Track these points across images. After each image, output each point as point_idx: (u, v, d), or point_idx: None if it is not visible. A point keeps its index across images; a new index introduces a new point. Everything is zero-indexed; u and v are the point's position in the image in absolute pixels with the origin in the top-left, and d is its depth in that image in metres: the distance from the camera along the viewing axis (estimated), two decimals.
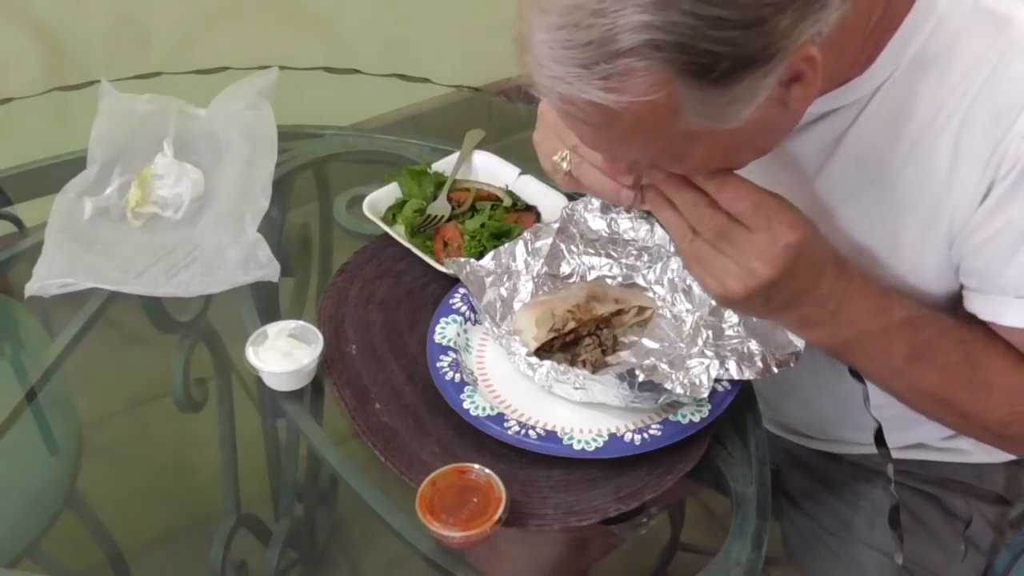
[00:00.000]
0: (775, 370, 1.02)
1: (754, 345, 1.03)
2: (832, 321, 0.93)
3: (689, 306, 1.09)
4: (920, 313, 0.96)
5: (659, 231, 1.14)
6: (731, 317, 1.06)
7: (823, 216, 1.01)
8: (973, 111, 0.90)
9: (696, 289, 1.09)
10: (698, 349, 1.05)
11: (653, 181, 0.93)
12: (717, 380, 1.02)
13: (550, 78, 0.78)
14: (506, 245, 1.14)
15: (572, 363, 1.05)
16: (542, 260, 1.13)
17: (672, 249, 1.13)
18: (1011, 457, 1.20)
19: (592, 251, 1.14)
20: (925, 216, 0.95)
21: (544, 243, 1.14)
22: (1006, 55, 0.89)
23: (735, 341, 1.04)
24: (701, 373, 1.01)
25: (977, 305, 0.96)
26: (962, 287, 0.98)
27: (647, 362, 1.03)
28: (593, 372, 1.03)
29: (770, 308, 0.92)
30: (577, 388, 1.02)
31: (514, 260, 1.13)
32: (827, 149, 0.99)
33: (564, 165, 1.03)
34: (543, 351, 1.05)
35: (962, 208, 0.93)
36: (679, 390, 0.99)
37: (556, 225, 1.14)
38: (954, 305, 1.00)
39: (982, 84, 0.89)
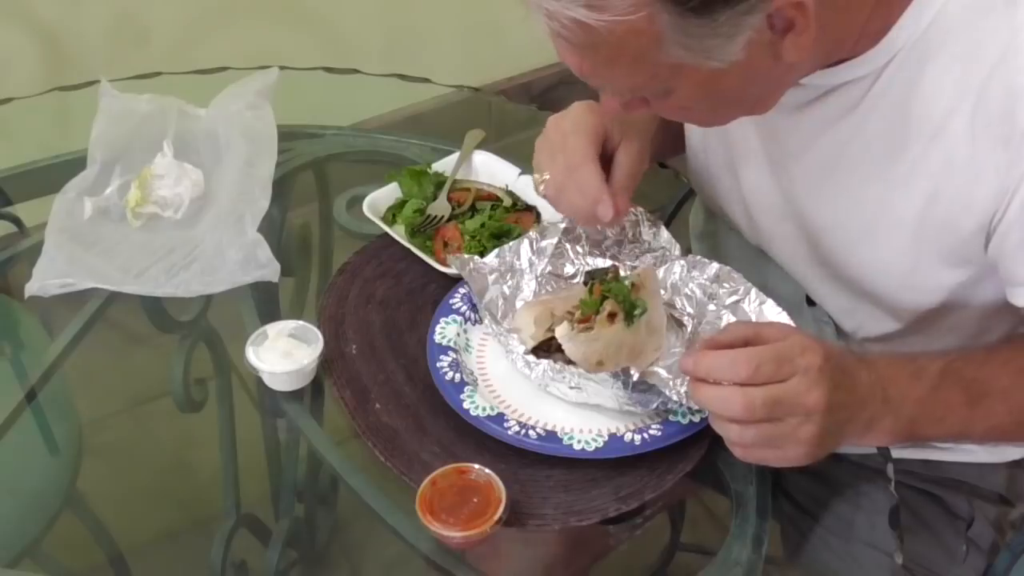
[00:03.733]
0: None
1: None
2: (888, 409, 0.93)
3: (690, 310, 1.09)
4: (949, 358, 0.97)
5: (665, 234, 1.14)
6: (729, 321, 1.06)
7: (835, 191, 1.01)
8: (988, 89, 0.90)
9: (698, 293, 1.09)
10: None
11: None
12: None
13: None
14: (511, 243, 1.14)
15: (569, 363, 1.05)
16: (546, 259, 1.13)
17: (676, 252, 1.13)
18: (1013, 457, 1.20)
19: (597, 252, 1.14)
20: (937, 194, 0.95)
21: (549, 243, 1.14)
22: (1020, 33, 0.88)
23: None
24: None
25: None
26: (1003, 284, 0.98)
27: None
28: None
29: (841, 433, 0.91)
30: (573, 388, 1.02)
31: (518, 258, 1.13)
32: (837, 123, 0.99)
33: (541, 188, 1.09)
34: (541, 350, 1.05)
35: (983, 187, 0.92)
36: (675, 398, 0.99)
37: (563, 225, 1.14)
38: (945, 296, 1.01)
39: (996, 62, 0.89)
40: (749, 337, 0.91)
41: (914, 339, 1.08)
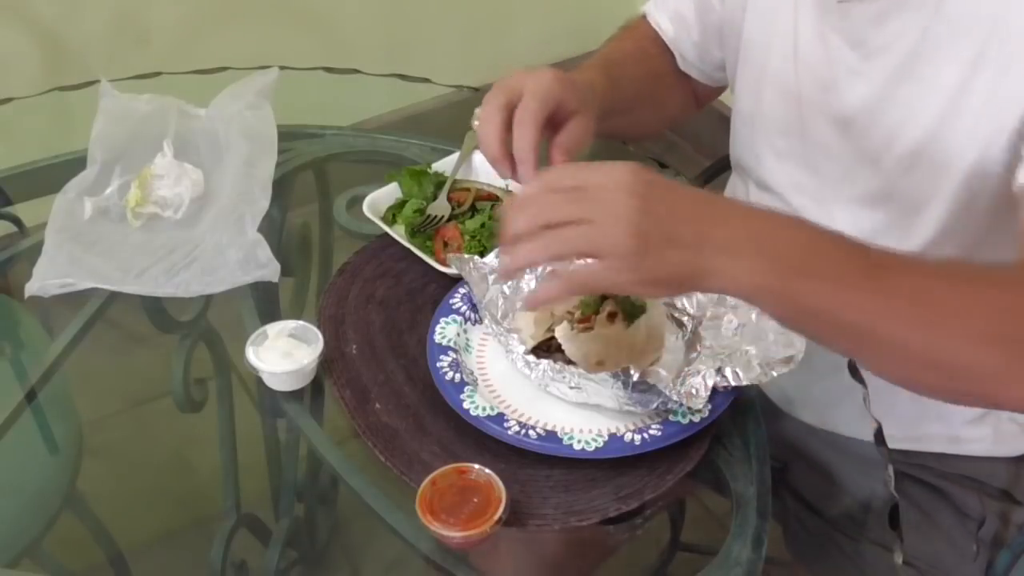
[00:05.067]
0: (774, 374, 1.02)
1: (753, 350, 1.03)
2: (753, 244, 0.83)
3: (691, 310, 1.09)
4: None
5: None
6: (730, 322, 1.06)
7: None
8: None
9: (698, 292, 1.09)
10: (696, 355, 1.05)
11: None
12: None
13: None
14: None
15: (569, 363, 1.05)
16: None
17: None
18: (1021, 451, 1.20)
19: None
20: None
21: None
22: None
23: (733, 346, 1.04)
24: (698, 384, 1.01)
25: None
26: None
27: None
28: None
29: (676, 238, 0.82)
30: (572, 388, 1.02)
31: None
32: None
33: (474, 123, 1.08)
34: (541, 350, 1.05)
35: None
36: (675, 397, 0.99)
37: None
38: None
39: None
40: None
41: None
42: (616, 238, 0.81)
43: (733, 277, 0.83)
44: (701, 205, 0.85)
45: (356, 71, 1.51)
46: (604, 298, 1.04)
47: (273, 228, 1.27)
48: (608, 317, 1.03)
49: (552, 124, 1.07)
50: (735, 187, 1.31)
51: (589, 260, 0.83)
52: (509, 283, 1.11)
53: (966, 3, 0.97)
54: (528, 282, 1.12)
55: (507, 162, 1.04)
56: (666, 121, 1.40)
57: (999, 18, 0.96)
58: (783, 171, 1.20)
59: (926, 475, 1.19)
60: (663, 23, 1.31)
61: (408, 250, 1.21)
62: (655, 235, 0.82)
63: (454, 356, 1.08)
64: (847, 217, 1.12)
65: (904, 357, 0.86)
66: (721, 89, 1.35)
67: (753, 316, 1.06)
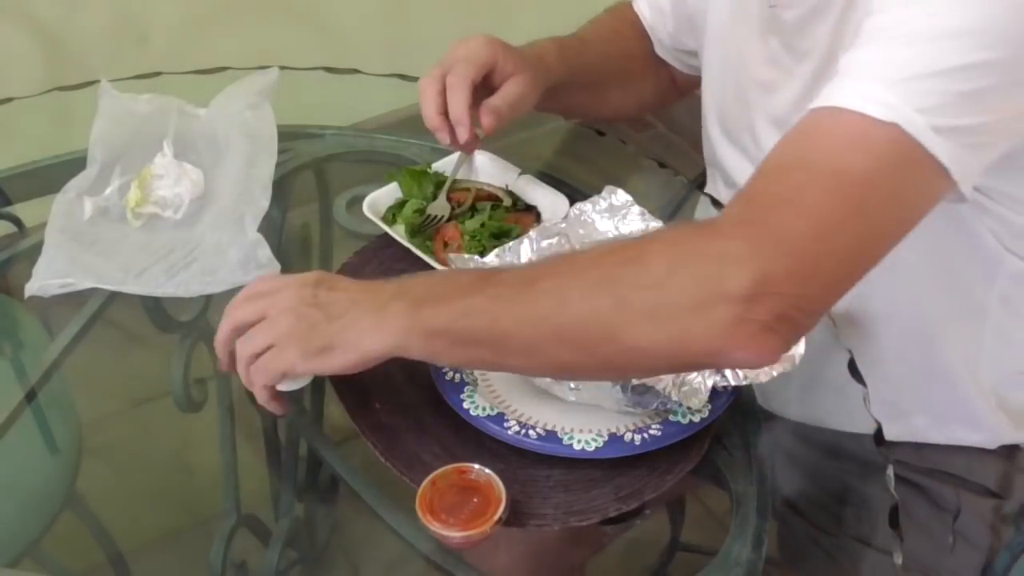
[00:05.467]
0: (774, 374, 1.02)
1: None
2: (400, 293, 0.93)
3: None
4: None
5: None
6: None
7: None
8: None
9: None
10: None
11: None
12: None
13: None
14: (511, 243, 1.14)
15: None
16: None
17: None
18: (1004, 442, 1.20)
19: None
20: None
21: (549, 243, 1.13)
22: None
23: None
24: (698, 384, 1.01)
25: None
26: None
27: None
28: None
29: (335, 319, 0.93)
30: (572, 388, 1.02)
31: (518, 258, 1.13)
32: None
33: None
34: None
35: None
36: (675, 397, 0.99)
37: (563, 225, 1.14)
38: None
39: None
40: None
41: None
42: (281, 325, 0.94)
43: (378, 329, 0.91)
44: (359, 285, 0.96)
45: (356, 71, 1.51)
46: None
47: (273, 228, 1.27)
48: None
49: (489, 88, 1.15)
50: (714, 183, 1.32)
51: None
52: None
53: (863, 10, 0.99)
54: None
55: (445, 129, 1.13)
56: (641, 104, 1.41)
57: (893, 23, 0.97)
58: (741, 168, 1.21)
59: (900, 469, 1.19)
60: (644, 8, 1.34)
61: (408, 250, 1.21)
62: (309, 313, 0.93)
63: None
64: None
65: (533, 346, 0.89)
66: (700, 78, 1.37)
67: None
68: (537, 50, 1.22)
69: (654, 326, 0.85)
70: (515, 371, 1.00)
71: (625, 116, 1.41)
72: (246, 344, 0.96)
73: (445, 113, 1.14)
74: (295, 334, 0.93)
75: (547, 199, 1.27)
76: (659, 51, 1.35)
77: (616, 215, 1.14)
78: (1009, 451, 1.21)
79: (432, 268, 1.19)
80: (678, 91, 1.41)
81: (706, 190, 1.35)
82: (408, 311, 0.91)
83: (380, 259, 1.23)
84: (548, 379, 1.03)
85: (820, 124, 0.89)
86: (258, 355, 0.95)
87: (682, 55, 1.34)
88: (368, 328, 0.92)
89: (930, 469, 1.20)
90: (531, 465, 1.01)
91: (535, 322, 0.88)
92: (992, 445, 1.21)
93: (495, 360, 0.94)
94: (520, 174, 1.30)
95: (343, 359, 0.93)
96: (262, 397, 0.98)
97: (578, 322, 0.87)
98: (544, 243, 1.13)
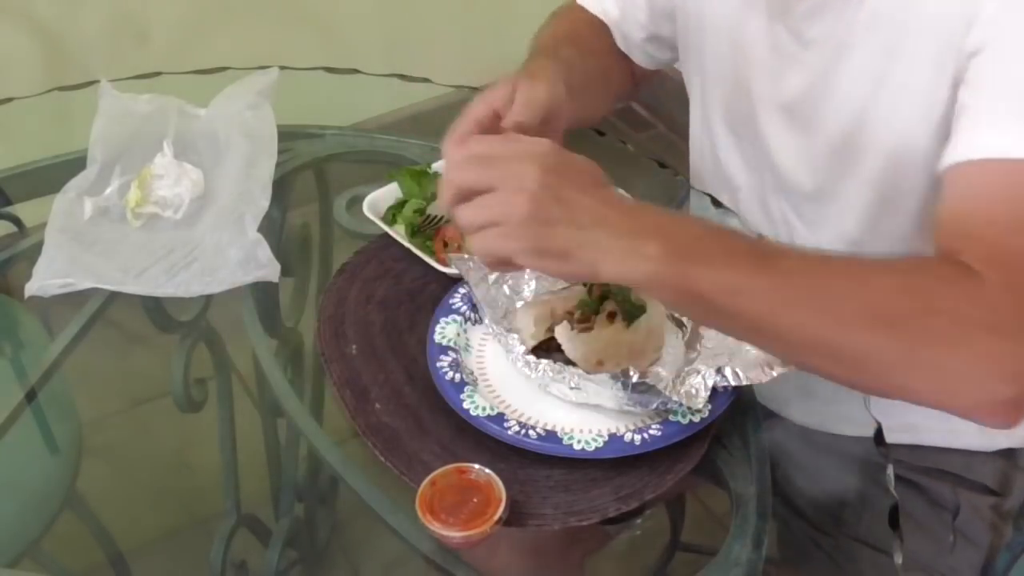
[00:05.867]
0: (774, 374, 1.02)
1: (753, 349, 1.03)
2: (660, 231, 0.84)
3: None
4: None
5: None
6: None
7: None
8: None
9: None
10: (696, 355, 1.05)
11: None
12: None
13: None
14: None
15: (569, 363, 1.05)
16: None
17: None
18: (1002, 445, 1.20)
19: None
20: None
21: None
22: None
23: (733, 346, 1.04)
24: (698, 384, 1.01)
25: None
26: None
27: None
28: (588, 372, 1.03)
29: (562, 220, 0.83)
30: (572, 388, 1.02)
31: None
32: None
33: None
34: (541, 350, 1.05)
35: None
36: (675, 398, 0.99)
37: None
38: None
39: None
40: None
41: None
42: (511, 206, 0.82)
43: (624, 261, 0.82)
44: (605, 196, 0.85)
45: (356, 71, 1.51)
46: (604, 298, 1.04)
47: (273, 228, 1.27)
48: (608, 317, 1.04)
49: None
50: (700, 181, 1.32)
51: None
52: (509, 282, 1.11)
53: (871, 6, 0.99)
54: (528, 282, 1.12)
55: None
56: (610, 103, 1.40)
57: (911, 11, 0.97)
58: (740, 163, 1.21)
59: (898, 468, 1.19)
60: (608, 5, 1.31)
61: (408, 250, 1.21)
62: (551, 208, 0.82)
63: (454, 356, 1.08)
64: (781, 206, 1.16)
65: (802, 345, 0.86)
66: (657, 71, 1.36)
67: None
68: (545, 68, 1.15)
69: (935, 383, 0.85)
70: (763, 351, 0.98)
71: (598, 120, 1.36)
72: (470, 213, 0.85)
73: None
74: (530, 228, 0.83)
75: None
76: (621, 46, 1.34)
77: None
78: (1007, 450, 1.21)
79: (433, 268, 1.19)
80: (636, 86, 1.40)
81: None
82: (668, 259, 0.82)
83: (380, 259, 1.23)
84: (548, 379, 1.03)
85: None
86: (482, 227, 0.85)
87: (650, 47, 1.32)
88: (614, 259, 0.83)
89: (928, 468, 1.21)
90: (531, 465, 1.01)
91: (815, 335, 0.85)
92: (990, 448, 1.21)
93: (753, 340, 0.92)
94: None
95: (573, 269, 0.85)
96: (488, 263, 0.89)
97: (861, 353, 0.85)
98: None
